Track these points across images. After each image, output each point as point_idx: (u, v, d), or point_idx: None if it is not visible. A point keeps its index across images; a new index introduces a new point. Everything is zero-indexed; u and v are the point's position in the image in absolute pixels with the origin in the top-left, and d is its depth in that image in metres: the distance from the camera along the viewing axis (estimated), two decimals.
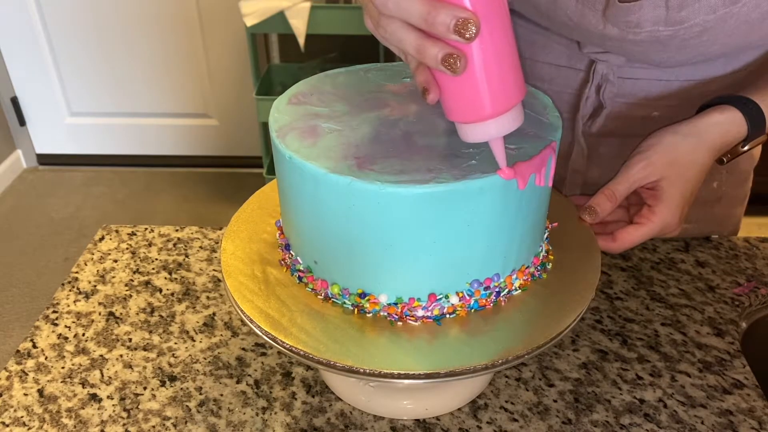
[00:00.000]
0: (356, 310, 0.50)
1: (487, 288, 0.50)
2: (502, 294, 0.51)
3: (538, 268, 0.54)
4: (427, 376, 0.46)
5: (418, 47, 0.39)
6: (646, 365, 0.62)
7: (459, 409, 0.58)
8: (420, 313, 0.49)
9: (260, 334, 0.49)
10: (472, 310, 0.50)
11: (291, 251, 0.53)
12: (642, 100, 0.69)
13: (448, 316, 0.50)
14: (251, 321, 0.50)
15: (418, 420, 0.57)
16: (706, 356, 0.64)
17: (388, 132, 0.48)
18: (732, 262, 0.75)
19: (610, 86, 0.68)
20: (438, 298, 0.49)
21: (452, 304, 0.49)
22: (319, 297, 0.51)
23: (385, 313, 0.49)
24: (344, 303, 0.50)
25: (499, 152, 0.44)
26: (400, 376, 0.46)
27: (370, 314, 0.50)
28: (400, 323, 0.49)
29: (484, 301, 0.50)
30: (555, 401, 0.59)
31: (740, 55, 0.66)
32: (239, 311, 0.51)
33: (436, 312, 0.49)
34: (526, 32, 0.71)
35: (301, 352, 0.47)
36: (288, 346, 0.48)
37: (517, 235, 0.49)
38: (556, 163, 0.50)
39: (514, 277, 0.51)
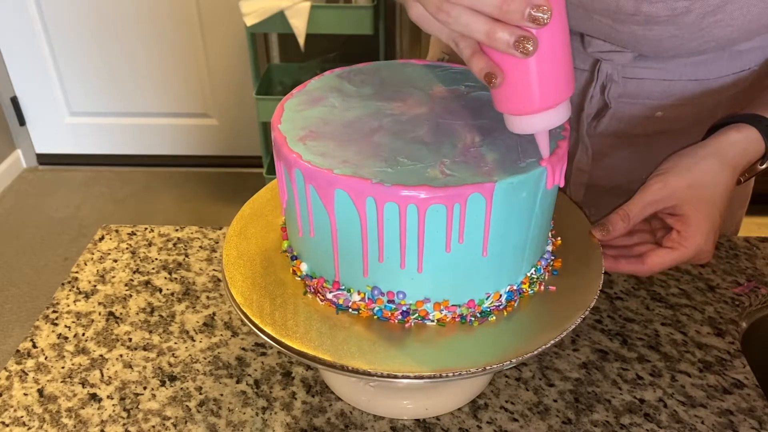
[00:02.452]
0: (363, 312, 0.50)
1: (499, 296, 0.50)
2: (510, 301, 0.51)
3: (540, 273, 0.54)
4: (431, 377, 0.46)
5: (488, 31, 0.39)
6: (646, 365, 0.62)
7: (459, 409, 0.58)
8: (433, 315, 0.49)
9: (264, 337, 0.49)
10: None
11: (295, 253, 0.53)
12: (646, 101, 0.69)
13: (469, 318, 0.50)
14: (253, 323, 0.50)
15: (418, 420, 0.57)
16: (706, 356, 0.64)
17: (408, 134, 0.48)
18: (732, 261, 0.75)
19: (615, 86, 0.68)
20: (450, 304, 0.49)
21: (465, 310, 0.49)
22: (323, 300, 0.51)
23: (400, 317, 0.49)
24: (359, 307, 0.50)
25: (544, 144, 0.45)
26: (403, 377, 0.46)
27: (376, 315, 0.50)
28: (404, 324, 0.49)
29: (498, 308, 0.50)
30: (555, 401, 0.59)
31: (744, 54, 0.66)
32: (241, 314, 0.51)
33: (439, 316, 0.49)
34: None
35: (303, 353, 0.47)
36: (290, 347, 0.47)
37: (534, 240, 0.49)
38: None
39: (530, 276, 0.52)
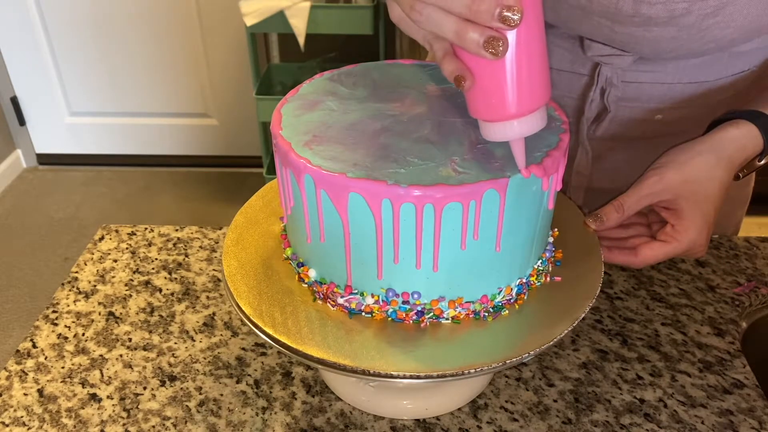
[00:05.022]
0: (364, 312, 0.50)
1: (510, 290, 0.50)
2: (520, 294, 0.52)
3: (545, 265, 0.55)
4: (455, 374, 0.46)
5: (458, 31, 0.39)
6: (646, 365, 0.62)
7: (459, 409, 0.58)
8: (447, 312, 0.49)
9: (264, 337, 0.49)
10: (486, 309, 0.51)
11: (301, 260, 0.53)
12: (645, 104, 0.69)
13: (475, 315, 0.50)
14: (253, 323, 0.49)
15: (418, 420, 0.57)
16: (707, 356, 0.64)
17: (412, 134, 0.48)
18: (732, 261, 0.75)
19: (614, 90, 0.68)
20: (464, 300, 0.49)
21: (473, 308, 0.50)
22: (334, 305, 0.51)
23: (414, 317, 0.49)
24: (372, 310, 0.50)
25: (520, 153, 0.44)
26: (426, 377, 0.46)
27: (390, 317, 0.50)
28: (419, 324, 0.49)
29: (509, 301, 0.51)
30: (555, 401, 0.59)
31: (744, 56, 0.66)
32: (241, 314, 0.51)
33: (453, 314, 0.49)
34: None
35: (323, 361, 0.47)
36: (310, 356, 0.47)
37: (541, 232, 0.50)
38: None
39: (537, 267, 0.53)
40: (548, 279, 0.54)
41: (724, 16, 0.55)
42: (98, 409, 0.58)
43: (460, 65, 0.41)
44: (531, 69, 0.40)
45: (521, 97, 0.41)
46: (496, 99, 0.41)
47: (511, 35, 0.39)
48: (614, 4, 0.57)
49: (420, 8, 0.40)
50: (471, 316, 0.50)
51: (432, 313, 0.49)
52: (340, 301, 0.50)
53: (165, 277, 0.73)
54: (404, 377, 0.46)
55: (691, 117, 0.69)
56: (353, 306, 0.50)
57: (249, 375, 0.61)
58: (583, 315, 0.50)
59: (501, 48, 0.38)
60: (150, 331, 0.66)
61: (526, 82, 0.41)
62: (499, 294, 0.50)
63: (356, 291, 0.49)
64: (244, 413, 0.58)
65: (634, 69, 0.66)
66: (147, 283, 0.72)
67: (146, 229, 0.80)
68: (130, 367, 0.63)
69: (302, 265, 0.52)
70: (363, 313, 0.50)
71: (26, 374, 0.62)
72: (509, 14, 0.37)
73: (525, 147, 0.44)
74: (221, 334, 0.66)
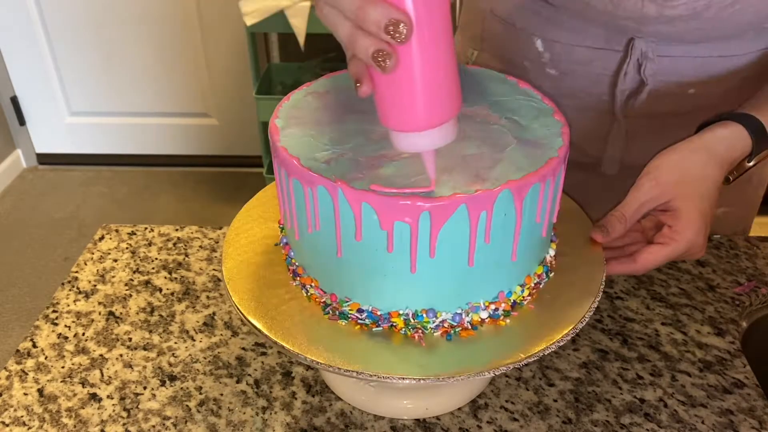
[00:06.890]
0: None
1: (502, 302, 0.50)
2: (520, 296, 0.52)
3: (545, 271, 0.54)
4: (428, 378, 0.46)
5: (350, 37, 0.38)
6: (647, 365, 0.62)
7: (459, 408, 0.58)
8: (446, 323, 0.49)
9: (263, 337, 0.49)
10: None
11: (296, 262, 0.53)
12: (678, 78, 0.69)
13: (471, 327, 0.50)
14: (253, 325, 0.49)
15: (418, 420, 0.57)
16: (707, 356, 0.64)
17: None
18: (732, 261, 0.75)
19: (650, 64, 0.68)
20: (465, 305, 0.49)
21: (475, 319, 0.50)
22: (328, 314, 0.50)
23: (402, 330, 0.49)
24: (361, 321, 0.49)
25: (430, 166, 0.43)
26: (403, 379, 0.46)
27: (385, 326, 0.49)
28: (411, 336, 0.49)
29: (502, 311, 0.51)
30: (555, 401, 0.59)
31: (765, 34, 0.67)
32: (240, 314, 0.51)
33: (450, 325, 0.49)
34: (564, 18, 0.70)
35: (317, 361, 0.47)
36: (289, 348, 0.47)
37: (536, 239, 0.50)
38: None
39: (532, 276, 0.52)
40: (549, 279, 0.54)
41: (743, 4, 0.58)
42: (98, 408, 0.58)
43: (362, 69, 0.39)
44: (432, 83, 0.38)
45: (427, 110, 0.39)
46: (397, 110, 0.40)
47: (406, 49, 0.36)
48: (639, 9, 0.60)
49: (321, 6, 0.39)
50: (471, 319, 0.49)
51: (432, 320, 0.49)
52: (334, 305, 0.50)
53: (165, 277, 0.73)
54: (404, 377, 0.46)
55: (719, 92, 0.70)
56: (349, 311, 0.50)
57: (249, 375, 0.61)
58: (583, 315, 0.50)
59: (388, 63, 0.36)
60: (150, 331, 0.66)
61: (427, 97, 0.38)
62: (499, 297, 0.50)
63: (355, 299, 0.49)
64: (244, 413, 0.58)
65: (667, 44, 0.67)
66: (147, 282, 0.72)
67: (146, 228, 0.80)
68: (130, 366, 0.62)
69: (297, 274, 0.52)
70: (358, 321, 0.49)
71: (26, 374, 0.62)
72: (395, 29, 0.35)
73: (435, 159, 0.42)
74: (221, 334, 0.66)
